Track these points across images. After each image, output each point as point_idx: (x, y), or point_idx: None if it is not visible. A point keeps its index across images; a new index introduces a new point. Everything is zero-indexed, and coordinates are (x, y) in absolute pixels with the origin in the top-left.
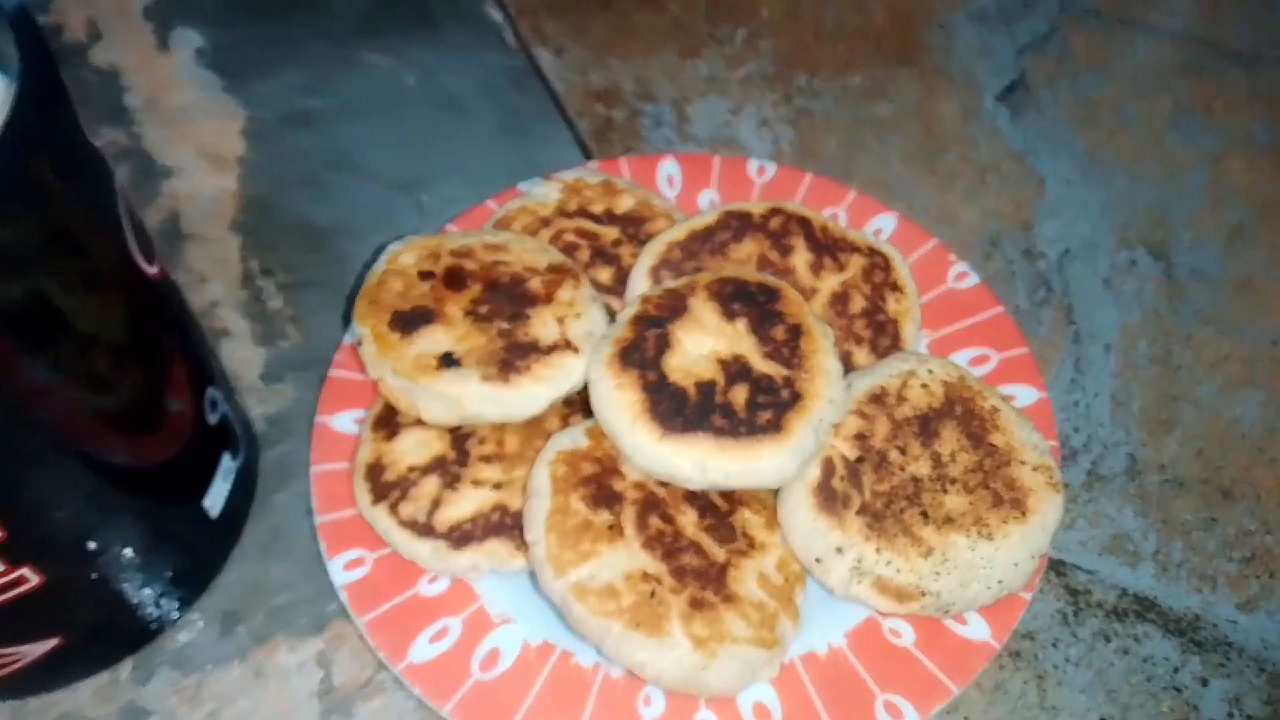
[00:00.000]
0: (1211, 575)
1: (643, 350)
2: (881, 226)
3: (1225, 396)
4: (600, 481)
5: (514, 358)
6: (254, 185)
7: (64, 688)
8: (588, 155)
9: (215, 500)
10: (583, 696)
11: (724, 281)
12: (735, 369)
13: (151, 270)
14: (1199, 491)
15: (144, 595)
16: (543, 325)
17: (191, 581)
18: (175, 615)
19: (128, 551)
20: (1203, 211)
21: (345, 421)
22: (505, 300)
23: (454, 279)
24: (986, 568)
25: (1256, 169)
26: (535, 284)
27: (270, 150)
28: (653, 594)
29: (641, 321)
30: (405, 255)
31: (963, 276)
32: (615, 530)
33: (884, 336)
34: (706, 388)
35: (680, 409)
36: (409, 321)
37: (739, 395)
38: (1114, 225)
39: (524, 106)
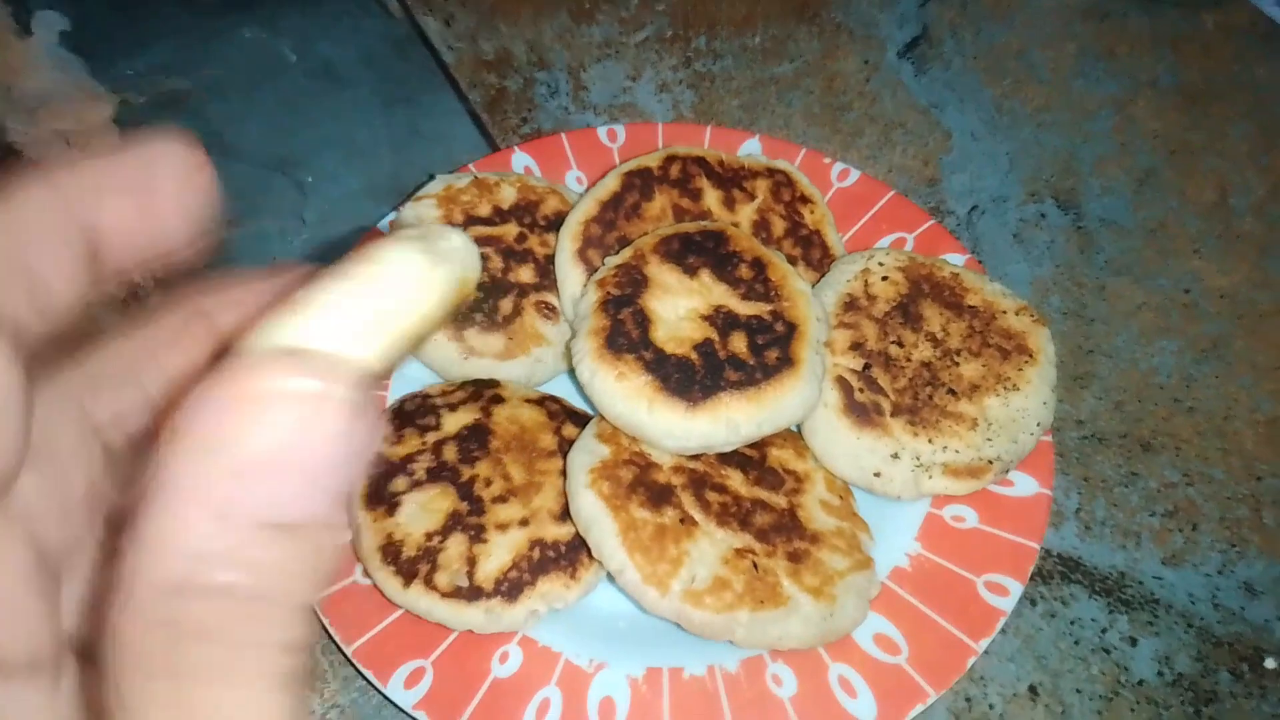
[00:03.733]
0: (1135, 531)
1: (625, 332)
2: (750, 152)
3: (1141, 347)
4: (645, 481)
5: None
6: None
7: None
8: (481, 128)
9: None
10: (715, 704)
11: (667, 240)
12: (722, 320)
13: None
14: (1119, 446)
15: None
16: None
17: None
18: None
19: None
20: (1111, 158)
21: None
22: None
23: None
24: (1025, 416)
25: (1162, 113)
26: None
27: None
28: (755, 566)
29: (608, 305)
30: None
31: (844, 175)
32: (688, 523)
33: (813, 248)
34: (705, 347)
35: (692, 377)
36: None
37: (739, 343)
38: (1022, 177)
39: (408, 75)
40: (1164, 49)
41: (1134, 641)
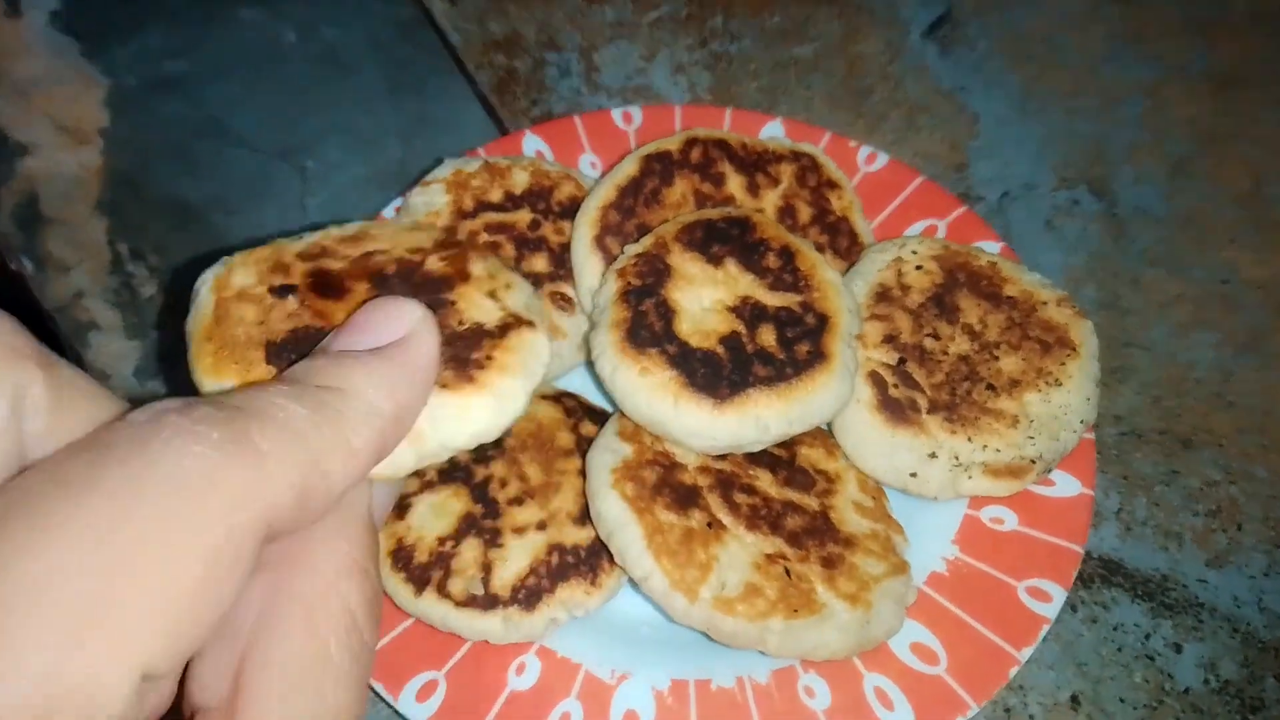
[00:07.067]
0: (1177, 532)
1: (648, 325)
2: (773, 135)
3: (1178, 340)
4: (670, 482)
5: (466, 351)
6: (119, 160)
7: None
8: (490, 110)
9: None
10: (745, 718)
11: (690, 227)
12: (750, 312)
13: None
14: (1158, 443)
15: None
16: (475, 306)
17: None
18: None
19: None
20: (1143, 145)
21: None
22: (410, 290)
23: (325, 285)
24: (1067, 413)
25: (1195, 99)
26: (435, 264)
27: (135, 120)
28: (788, 572)
29: (629, 296)
30: (237, 276)
31: (872, 159)
32: (716, 526)
33: (840, 236)
34: (732, 340)
35: (720, 372)
36: (288, 350)
37: (767, 336)
38: (1053, 163)
39: (415, 59)
40: (1194, 34)
41: (1178, 648)
